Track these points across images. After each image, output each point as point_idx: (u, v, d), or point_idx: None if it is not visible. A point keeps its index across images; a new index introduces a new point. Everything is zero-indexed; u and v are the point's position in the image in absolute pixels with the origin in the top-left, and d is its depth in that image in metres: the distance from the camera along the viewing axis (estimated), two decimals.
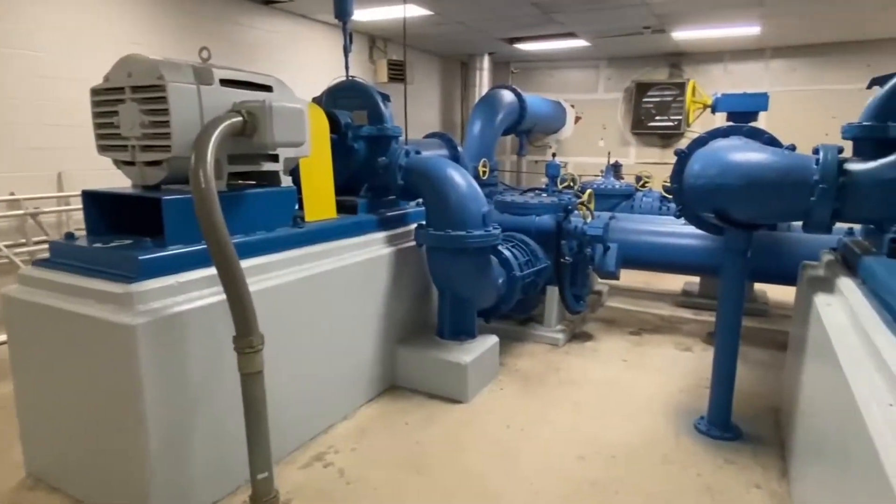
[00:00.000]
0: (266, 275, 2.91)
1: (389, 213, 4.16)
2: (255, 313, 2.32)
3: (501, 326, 4.86)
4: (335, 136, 3.79)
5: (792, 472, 2.82)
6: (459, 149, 5.76)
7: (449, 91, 11.44)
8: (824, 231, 2.75)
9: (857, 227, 3.32)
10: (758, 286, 5.99)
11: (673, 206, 7.44)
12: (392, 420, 3.56)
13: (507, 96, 7.95)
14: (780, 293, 5.77)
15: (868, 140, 2.60)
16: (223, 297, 2.31)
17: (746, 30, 8.12)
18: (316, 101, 4.09)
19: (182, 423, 2.47)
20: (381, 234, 3.96)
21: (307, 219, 3.40)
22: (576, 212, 4.93)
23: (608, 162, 8.19)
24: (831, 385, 1.95)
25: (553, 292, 4.86)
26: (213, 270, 2.30)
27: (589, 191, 5.22)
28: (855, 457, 1.58)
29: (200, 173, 2.22)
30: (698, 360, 4.50)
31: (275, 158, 3.04)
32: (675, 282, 6.63)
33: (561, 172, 6.56)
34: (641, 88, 10.38)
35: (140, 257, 2.38)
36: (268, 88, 2.95)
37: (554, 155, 7.56)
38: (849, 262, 2.79)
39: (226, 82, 2.72)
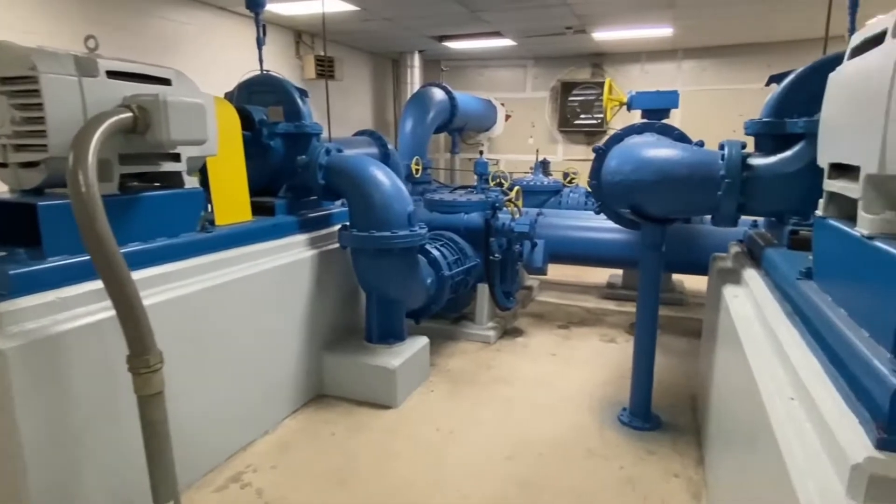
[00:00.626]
0: (169, 285, 2.68)
1: (311, 215, 3.97)
2: (152, 329, 2.10)
3: (433, 326, 4.78)
4: (248, 133, 3.57)
5: (707, 460, 2.89)
6: (390, 146, 5.62)
7: (381, 89, 11.24)
8: (731, 224, 2.83)
9: (761, 219, 3.45)
10: (675, 276, 6.21)
11: None
12: (317, 431, 3.39)
13: (438, 94, 7.87)
14: (695, 282, 5.99)
15: (768, 136, 2.69)
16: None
17: (660, 31, 8.42)
18: (228, 96, 3.84)
19: (71, 457, 2.21)
20: (302, 237, 3.77)
21: (217, 222, 3.17)
22: (504, 209, 4.91)
23: (537, 159, 8.29)
24: (739, 376, 1.98)
25: (483, 290, 4.82)
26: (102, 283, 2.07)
27: (516, 188, 5.22)
28: (759, 447, 1.59)
29: (80, 175, 1.98)
30: (621, 352, 4.59)
31: (176, 158, 2.80)
32: (602, 274, 6.77)
33: (491, 170, 6.58)
34: (566, 87, 10.59)
35: (10, 272, 2.10)
36: (165, 81, 2.70)
37: (482, 153, 7.55)
38: (754, 254, 2.88)
39: (114, 74, 2.46)
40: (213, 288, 2.88)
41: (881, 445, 1.10)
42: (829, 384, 1.39)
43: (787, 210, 2.61)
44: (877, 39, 1.50)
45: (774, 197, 2.64)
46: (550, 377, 4.14)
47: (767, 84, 2.83)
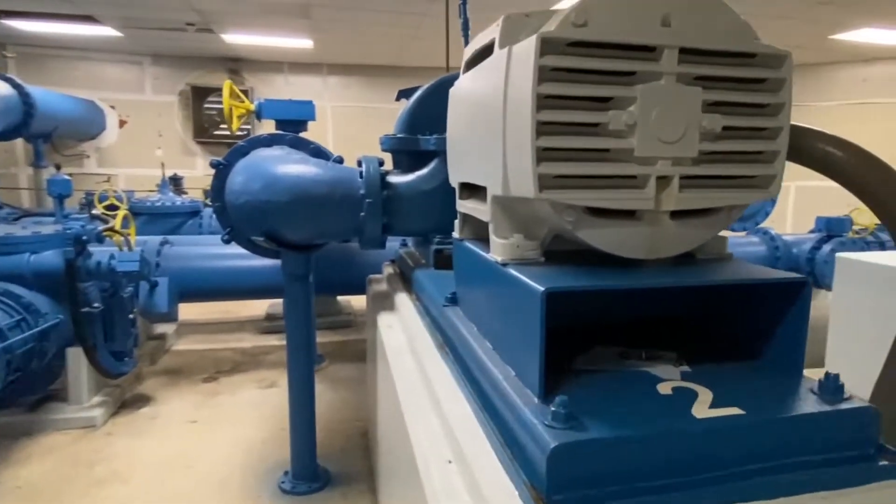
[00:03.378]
0: None
1: None
2: None
3: None
4: None
5: None
6: None
7: None
8: (378, 246, 2.77)
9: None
10: (341, 297, 6.19)
11: None
12: None
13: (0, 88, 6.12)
14: (363, 300, 6.04)
15: (404, 152, 2.73)
16: None
17: (300, 42, 8.48)
18: None
19: None
20: None
21: None
22: (107, 240, 3.99)
23: (164, 175, 7.28)
24: (396, 426, 1.83)
25: (78, 356, 3.75)
26: None
27: (122, 211, 4.31)
28: None
29: None
30: (284, 395, 4.20)
31: None
32: (260, 305, 6.30)
33: (102, 189, 5.43)
34: (199, 93, 9.75)
35: None
36: None
37: (58, 167, 6.21)
38: (405, 275, 2.90)
39: None
40: None
41: None
42: (486, 440, 1.29)
43: (430, 229, 2.67)
44: (486, 51, 1.50)
45: (417, 216, 2.68)
46: (188, 455, 3.46)
47: (397, 99, 2.88)
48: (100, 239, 3.88)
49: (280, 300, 6.37)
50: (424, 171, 2.67)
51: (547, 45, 1.16)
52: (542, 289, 1.13)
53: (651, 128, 1.21)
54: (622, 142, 1.22)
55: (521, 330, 1.24)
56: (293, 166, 2.62)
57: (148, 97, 9.74)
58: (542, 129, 1.19)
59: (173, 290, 3.98)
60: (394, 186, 2.64)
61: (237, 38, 8.27)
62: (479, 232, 1.80)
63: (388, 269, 3.34)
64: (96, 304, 3.65)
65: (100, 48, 9.14)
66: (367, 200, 2.54)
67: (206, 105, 9.81)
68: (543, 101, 1.18)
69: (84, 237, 3.66)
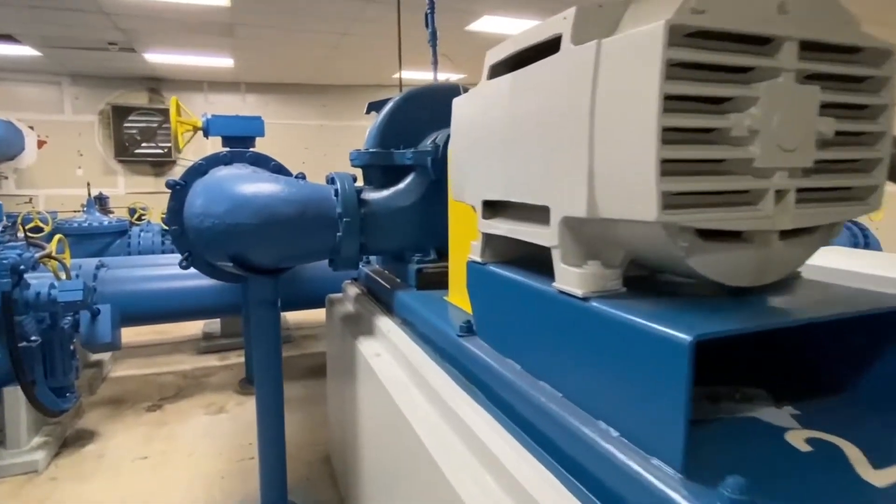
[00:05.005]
0: None
1: None
2: None
3: None
4: None
5: None
6: None
7: None
8: (353, 267, 2.29)
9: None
10: None
11: None
12: None
13: None
14: (296, 314, 5.41)
15: (377, 167, 2.26)
16: None
17: (221, 61, 7.60)
18: None
19: None
20: None
21: None
22: (40, 267, 3.16)
23: (90, 194, 6.17)
24: (423, 478, 1.39)
25: (15, 395, 2.94)
26: None
27: (58, 236, 3.47)
28: None
29: None
30: (235, 421, 3.56)
31: None
32: (195, 324, 5.44)
33: (25, 211, 4.41)
34: (120, 112, 8.51)
35: None
36: None
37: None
38: (379, 297, 2.42)
39: None
40: None
41: None
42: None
43: (407, 247, 2.23)
44: (538, 50, 1.11)
45: (394, 234, 2.22)
46: (143, 496, 2.75)
47: (368, 112, 2.40)
48: (34, 266, 3.04)
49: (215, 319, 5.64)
50: (401, 186, 2.22)
51: (674, 34, 0.80)
52: (688, 337, 0.77)
53: (773, 134, 0.89)
54: (741, 151, 0.89)
55: (640, 384, 0.86)
56: (261, 185, 2.08)
57: (68, 117, 8.35)
58: (667, 136, 0.82)
59: (116, 316, 3.20)
60: (369, 204, 2.17)
61: (159, 58, 7.25)
62: (504, 254, 1.41)
63: (353, 289, 2.80)
64: (34, 338, 2.83)
65: (17, 68, 7.72)
66: (345, 220, 2.06)
67: (127, 124, 8.58)
68: (669, 103, 0.81)
69: (21, 266, 2.82)
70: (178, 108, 2.90)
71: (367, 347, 2.05)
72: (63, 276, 3.24)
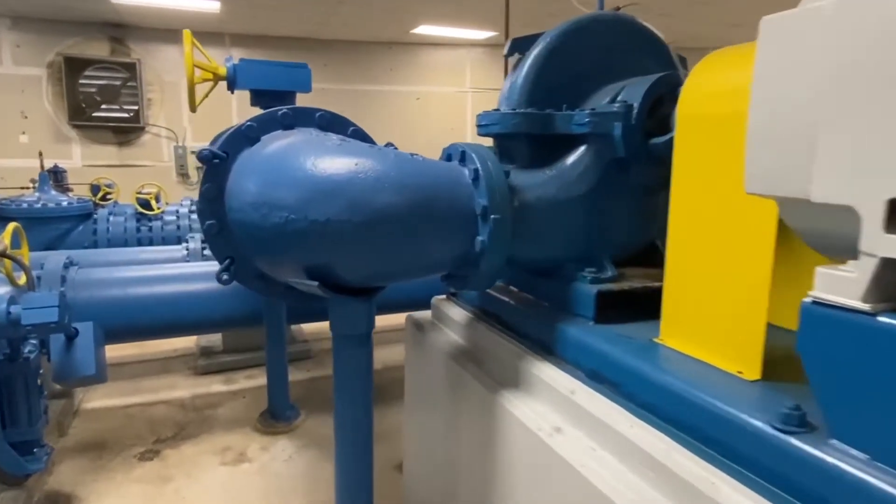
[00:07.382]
0: None
1: None
2: None
3: None
4: None
5: None
6: None
7: None
8: (488, 286, 1.70)
9: None
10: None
11: (157, 225, 5.56)
12: None
13: None
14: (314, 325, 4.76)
15: (522, 138, 1.64)
16: None
17: (206, 4, 6.78)
18: None
19: None
20: None
21: None
22: None
23: (42, 167, 5.41)
24: None
25: None
26: None
27: (12, 224, 2.77)
28: None
29: None
30: (264, 474, 2.91)
31: None
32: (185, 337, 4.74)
33: None
34: (74, 65, 7.63)
35: None
36: None
37: None
38: (515, 328, 1.79)
39: None
40: None
41: None
42: None
43: (571, 256, 1.63)
44: None
45: (554, 237, 1.63)
46: None
47: (509, 54, 1.77)
48: None
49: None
50: (567, 165, 1.62)
51: None
52: None
53: None
54: None
55: None
56: (358, 160, 1.45)
57: (7, 69, 7.46)
58: None
59: (100, 338, 2.54)
60: (520, 192, 1.57)
61: None
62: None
63: (455, 310, 2.09)
64: None
65: None
66: (493, 216, 1.45)
67: (83, 80, 7.69)
68: None
69: None
70: (193, 46, 2.23)
71: (530, 413, 1.47)
72: (22, 281, 2.58)
